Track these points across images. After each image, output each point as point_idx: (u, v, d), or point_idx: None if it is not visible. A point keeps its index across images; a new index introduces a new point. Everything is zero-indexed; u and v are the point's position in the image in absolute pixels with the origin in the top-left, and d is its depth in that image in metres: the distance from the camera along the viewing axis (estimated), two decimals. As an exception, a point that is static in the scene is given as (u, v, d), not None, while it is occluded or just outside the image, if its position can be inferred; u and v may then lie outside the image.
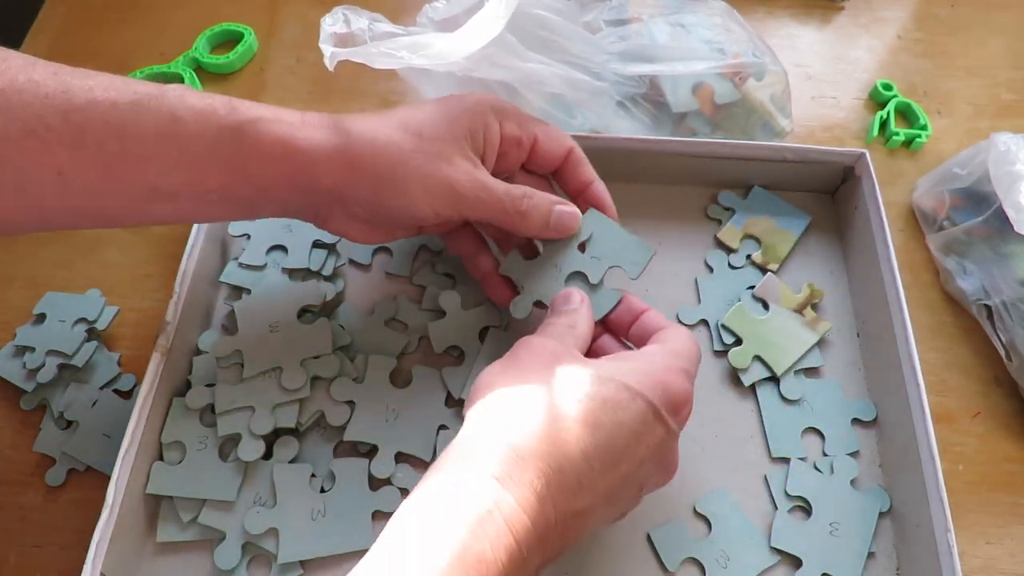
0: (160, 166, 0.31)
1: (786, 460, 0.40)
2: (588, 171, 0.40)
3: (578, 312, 0.35)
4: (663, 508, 0.38)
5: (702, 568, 0.37)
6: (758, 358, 0.42)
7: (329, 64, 0.42)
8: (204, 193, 0.32)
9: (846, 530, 0.37)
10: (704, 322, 0.44)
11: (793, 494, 0.38)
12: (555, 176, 0.40)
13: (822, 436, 0.40)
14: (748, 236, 0.47)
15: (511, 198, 0.36)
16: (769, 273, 0.45)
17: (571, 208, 0.38)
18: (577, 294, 0.36)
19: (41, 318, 0.43)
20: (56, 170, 0.29)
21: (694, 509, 0.38)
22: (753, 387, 0.42)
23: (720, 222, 0.48)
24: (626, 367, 0.31)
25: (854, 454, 0.40)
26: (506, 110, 0.37)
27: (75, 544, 0.37)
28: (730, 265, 0.46)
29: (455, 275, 0.45)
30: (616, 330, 0.38)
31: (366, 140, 0.33)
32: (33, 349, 0.41)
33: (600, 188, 0.40)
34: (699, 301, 0.45)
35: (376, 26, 0.43)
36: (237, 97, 0.33)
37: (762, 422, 0.41)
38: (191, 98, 0.31)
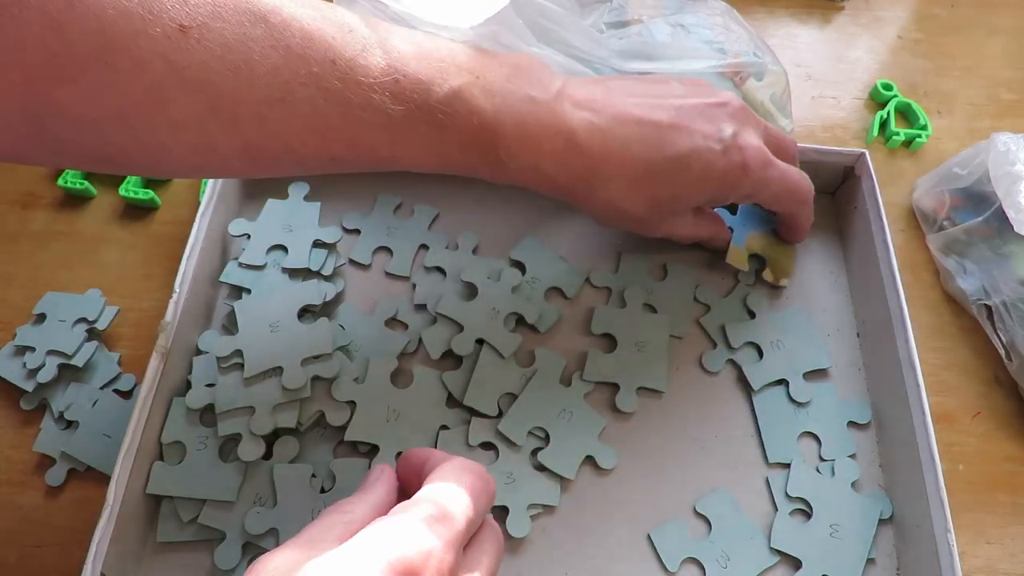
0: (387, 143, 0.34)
1: (783, 464, 0.39)
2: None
3: (369, 491, 0.29)
4: (663, 508, 0.38)
5: (702, 568, 0.37)
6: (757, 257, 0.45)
7: None
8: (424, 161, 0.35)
9: (846, 532, 0.37)
10: (702, 327, 0.44)
11: (794, 495, 0.38)
12: None
13: (818, 440, 0.40)
14: (753, 255, 0.45)
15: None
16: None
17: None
18: (377, 471, 0.30)
19: (41, 318, 0.43)
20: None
21: (694, 509, 0.38)
22: (750, 393, 0.41)
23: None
24: (354, 546, 0.24)
25: (852, 456, 0.40)
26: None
27: (75, 544, 0.37)
28: (739, 282, 0.45)
29: (452, 276, 0.45)
30: (408, 488, 0.31)
31: (601, 177, 0.36)
32: (33, 349, 0.41)
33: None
34: (708, 310, 0.44)
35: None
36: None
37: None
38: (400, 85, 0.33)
